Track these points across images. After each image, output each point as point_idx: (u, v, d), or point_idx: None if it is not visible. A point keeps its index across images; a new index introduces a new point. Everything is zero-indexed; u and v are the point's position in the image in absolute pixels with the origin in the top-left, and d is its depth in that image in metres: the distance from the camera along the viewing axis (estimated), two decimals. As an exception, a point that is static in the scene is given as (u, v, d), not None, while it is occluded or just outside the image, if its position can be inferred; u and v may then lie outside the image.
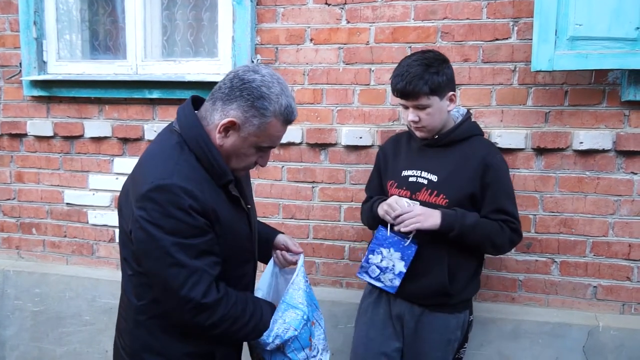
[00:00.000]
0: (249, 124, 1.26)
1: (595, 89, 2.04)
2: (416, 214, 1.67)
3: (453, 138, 1.78)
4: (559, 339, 2.12)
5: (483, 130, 2.10)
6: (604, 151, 2.06)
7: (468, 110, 1.87)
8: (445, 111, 1.74)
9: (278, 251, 1.64)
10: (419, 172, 1.79)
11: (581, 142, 2.05)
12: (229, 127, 1.26)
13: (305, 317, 1.44)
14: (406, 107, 1.74)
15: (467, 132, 1.80)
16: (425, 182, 1.77)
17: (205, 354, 1.38)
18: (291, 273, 1.55)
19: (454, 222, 1.67)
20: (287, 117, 1.29)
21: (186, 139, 1.28)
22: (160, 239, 1.20)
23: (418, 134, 1.78)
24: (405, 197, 1.77)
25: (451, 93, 1.73)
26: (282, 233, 1.68)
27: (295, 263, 1.58)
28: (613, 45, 1.84)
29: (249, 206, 1.47)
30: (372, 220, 1.87)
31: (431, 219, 1.67)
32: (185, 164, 1.26)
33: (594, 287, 2.15)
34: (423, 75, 1.64)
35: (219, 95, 1.27)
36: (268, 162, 1.45)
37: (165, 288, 1.25)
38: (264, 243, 1.62)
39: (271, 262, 1.65)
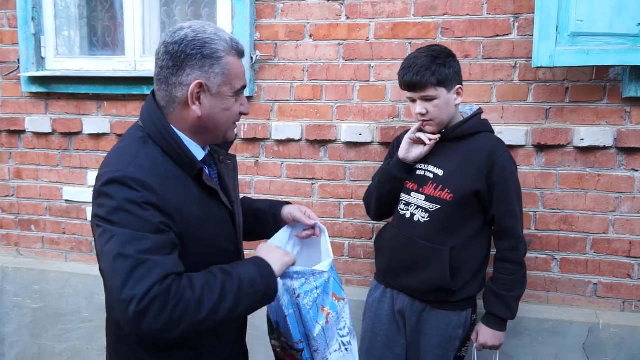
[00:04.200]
0: (213, 75, 1.17)
1: (596, 85, 2.03)
2: (487, 343, 1.79)
3: (460, 133, 1.77)
4: (559, 337, 2.11)
5: (483, 126, 2.11)
6: (604, 148, 2.05)
7: (480, 108, 1.87)
8: (453, 104, 1.74)
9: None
10: (426, 165, 1.80)
11: (582, 139, 2.04)
12: (199, 92, 1.17)
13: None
14: (413, 101, 1.74)
15: (476, 127, 1.79)
16: (432, 175, 1.77)
17: (196, 357, 1.26)
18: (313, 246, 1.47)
19: (504, 316, 1.78)
20: (238, 48, 1.21)
21: (149, 132, 1.20)
22: (109, 231, 1.08)
23: (426, 128, 1.78)
24: (413, 190, 1.80)
25: (458, 86, 1.73)
26: (289, 203, 1.55)
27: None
28: (614, 41, 1.83)
29: (233, 202, 1.36)
30: (387, 181, 1.87)
31: (498, 337, 1.79)
32: (145, 157, 1.16)
33: (595, 284, 2.14)
34: (430, 66, 1.66)
35: (164, 75, 1.18)
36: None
37: (111, 291, 1.07)
38: (270, 220, 1.51)
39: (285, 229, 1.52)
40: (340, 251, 2.38)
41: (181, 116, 1.21)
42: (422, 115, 1.72)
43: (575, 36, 1.86)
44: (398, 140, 1.98)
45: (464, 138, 1.78)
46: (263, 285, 1.20)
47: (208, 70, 1.17)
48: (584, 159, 2.08)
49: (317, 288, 1.35)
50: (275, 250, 1.33)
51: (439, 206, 1.74)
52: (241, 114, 1.28)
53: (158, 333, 1.03)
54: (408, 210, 1.82)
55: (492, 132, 1.85)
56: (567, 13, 1.84)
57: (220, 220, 1.30)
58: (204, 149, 1.30)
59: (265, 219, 1.54)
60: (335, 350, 1.42)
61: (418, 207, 1.79)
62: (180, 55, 1.15)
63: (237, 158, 1.60)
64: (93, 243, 2.64)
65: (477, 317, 1.87)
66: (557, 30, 1.86)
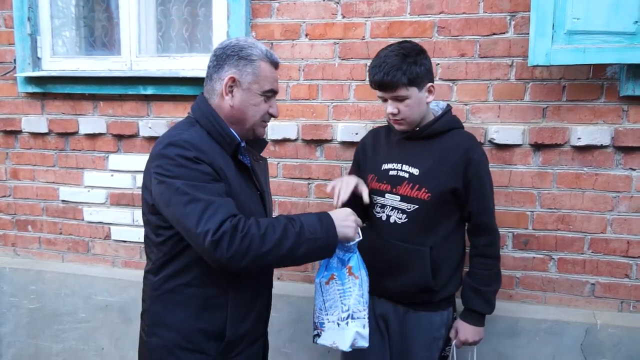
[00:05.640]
0: (245, 73, 1.42)
1: (593, 83, 2.02)
2: (468, 340, 1.79)
3: (433, 131, 1.75)
4: (557, 337, 2.10)
5: (479, 126, 2.11)
6: (602, 147, 2.03)
7: (448, 104, 1.85)
8: (424, 103, 1.71)
9: None
10: (399, 165, 1.76)
11: (579, 138, 2.03)
12: (232, 85, 1.42)
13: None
14: (384, 100, 1.71)
15: (447, 124, 1.77)
16: (407, 175, 1.74)
17: (216, 332, 1.43)
18: None
19: (483, 311, 1.79)
20: (272, 59, 1.47)
21: (197, 118, 1.45)
22: (174, 184, 1.30)
23: (397, 127, 1.75)
24: (386, 191, 1.77)
25: (430, 84, 1.70)
26: None
27: None
28: (611, 39, 1.82)
29: (264, 190, 1.58)
30: None
31: (478, 332, 1.80)
32: (194, 133, 1.39)
33: (592, 284, 2.13)
34: (401, 66, 1.61)
35: (209, 73, 1.47)
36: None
37: (187, 230, 1.28)
38: None
39: None
40: (336, 251, 2.37)
41: (219, 105, 1.45)
42: (394, 115, 1.69)
43: (572, 34, 1.84)
44: (362, 144, 1.96)
45: (436, 136, 1.75)
46: (323, 233, 1.36)
47: (242, 69, 1.43)
48: (581, 158, 2.06)
49: (338, 255, 1.54)
50: (342, 211, 1.49)
51: (416, 206, 1.71)
52: (270, 115, 1.51)
53: (229, 261, 1.25)
54: (384, 212, 1.78)
55: (463, 127, 1.84)
56: (564, 11, 1.83)
57: (252, 196, 1.50)
58: (241, 139, 1.50)
59: None
60: (331, 322, 1.56)
61: (394, 208, 1.75)
62: (222, 56, 1.44)
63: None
64: (90, 243, 2.66)
65: (457, 314, 1.86)
66: (553, 29, 1.85)
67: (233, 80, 1.42)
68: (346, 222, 1.45)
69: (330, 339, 1.56)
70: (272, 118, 1.55)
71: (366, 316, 1.56)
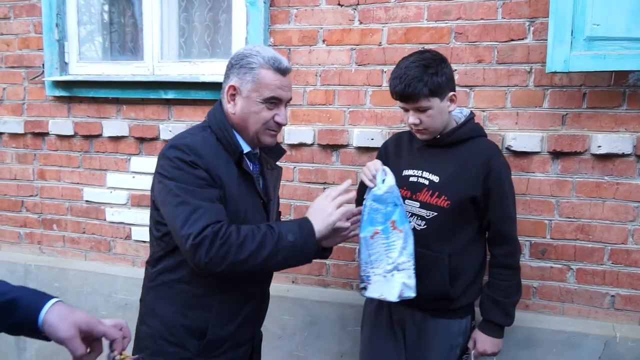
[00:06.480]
0: (244, 81, 1.45)
1: (614, 91, 1.97)
2: (486, 351, 1.78)
3: (455, 139, 1.74)
4: (574, 349, 2.05)
5: (497, 132, 2.08)
6: (623, 155, 1.98)
7: (471, 112, 1.83)
8: (446, 112, 1.70)
9: None
10: (419, 172, 1.76)
11: (599, 146, 1.98)
12: (233, 93, 1.47)
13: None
14: (406, 110, 1.70)
15: (470, 133, 1.76)
16: (427, 182, 1.73)
17: (198, 330, 1.46)
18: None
19: (502, 323, 1.77)
20: (276, 65, 1.46)
21: (210, 123, 1.51)
22: (169, 185, 1.37)
23: (419, 136, 1.75)
24: (406, 197, 1.75)
25: (451, 93, 1.69)
26: None
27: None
28: (632, 45, 1.77)
29: (270, 199, 1.59)
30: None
31: (496, 343, 1.78)
32: (200, 137, 1.45)
33: (612, 296, 2.07)
34: (422, 77, 1.60)
35: (223, 82, 1.52)
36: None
37: (174, 230, 1.36)
38: None
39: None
40: (351, 256, 2.38)
41: (227, 113, 1.50)
42: (416, 125, 1.69)
43: (591, 40, 1.81)
44: (385, 148, 1.95)
45: (458, 143, 1.74)
46: (302, 240, 1.39)
47: (242, 77, 1.46)
48: (602, 166, 2.02)
49: (380, 210, 1.61)
50: (322, 210, 1.46)
51: (435, 213, 1.71)
52: (277, 123, 1.50)
53: (207, 265, 1.30)
54: None
55: (486, 136, 1.82)
56: (583, 17, 1.80)
57: (253, 205, 1.51)
58: (250, 146, 1.53)
59: None
60: (377, 274, 1.62)
61: (413, 214, 1.75)
62: (229, 65, 1.50)
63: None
64: (111, 243, 2.73)
65: (476, 323, 1.84)
66: (572, 35, 1.82)
67: (234, 88, 1.46)
68: (324, 214, 1.44)
69: (378, 291, 1.62)
70: (283, 125, 1.53)
71: (412, 267, 1.61)
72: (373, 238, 1.61)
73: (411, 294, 1.61)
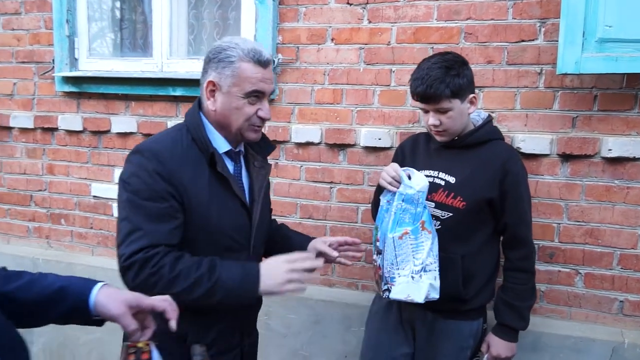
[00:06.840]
0: (224, 76, 1.36)
1: (626, 93, 1.94)
2: (500, 355, 1.76)
3: (473, 140, 1.74)
4: (581, 354, 2.03)
5: (506, 134, 2.06)
6: (634, 159, 1.95)
7: (489, 115, 1.82)
8: (466, 114, 1.71)
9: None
10: (436, 172, 1.76)
11: (610, 149, 1.96)
12: (213, 89, 1.38)
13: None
14: (426, 111, 1.70)
15: (487, 135, 1.76)
16: (443, 183, 1.74)
17: (179, 335, 1.32)
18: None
19: (517, 327, 1.76)
20: (257, 57, 1.37)
21: (187, 122, 1.44)
22: (122, 195, 1.34)
23: (438, 138, 1.75)
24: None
25: (472, 95, 1.69)
26: (314, 238, 1.70)
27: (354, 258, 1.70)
28: (646, 48, 1.75)
29: (254, 200, 1.49)
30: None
31: (510, 347, 1.77)
32: (170, 140, 1.39)
33: (621, 301, 2.05)
34: (444, 79, 1.61)
35: (201, 78, 1.43)
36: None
37: (116, 244, 1.33)
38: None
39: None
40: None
41: (207, 110, 1.42)
42: (436, 126, 1.69)
43: (603, 42, 1.78)
44: (402, 148, 1.95)
45: (475, 145, 1.74)
46: (241, 290, 1.32)
47: (221, 72, 1.37)
48: (612, 170, 1.99)
49: (409, 210, 1.62)
50: (278, 266, 1.35)
51: (450, 214, 1.71)
52: (260, 118, 1.42)
53: (135, 289, 1.22)
54: None
55: (503, 139, 1.81)
56: (595, 18, 1.77)
57: (228, 208, 1.42)
58: (232, 144, 1.46)
59: (291, 249, 1.57)
60: (404, 276, 1.61)
61: None
62: (206, 60, 1.41)
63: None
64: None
65: (488, 326, 1.83)
66: (583, 36, 1.79)
67: (213, 84, 1.37)
68: (272, 279, 1.33)
69: (404, 292, 1.62)
70: (267, 120, 1.46)
71: (437, 268, 1.63)
72: (402, 239, 1.61)
73: (435, 295, 1.62)
